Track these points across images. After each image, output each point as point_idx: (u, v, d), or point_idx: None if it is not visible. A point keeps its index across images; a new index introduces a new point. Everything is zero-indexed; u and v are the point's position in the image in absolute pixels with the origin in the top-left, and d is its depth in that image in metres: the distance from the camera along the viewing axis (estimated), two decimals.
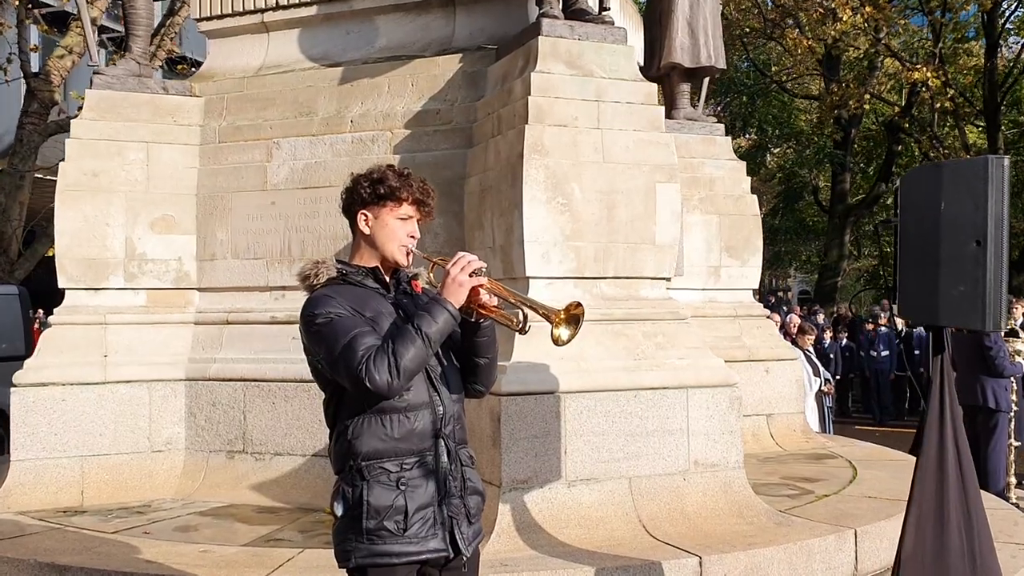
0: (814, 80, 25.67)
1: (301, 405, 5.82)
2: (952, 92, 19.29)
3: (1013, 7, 20.51)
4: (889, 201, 26.43)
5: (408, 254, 2.98)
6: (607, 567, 4.29)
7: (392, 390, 2.69)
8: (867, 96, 20.59)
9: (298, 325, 2.91)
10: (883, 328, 15.71)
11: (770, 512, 5.11)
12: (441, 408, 2.87)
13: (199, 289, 6.39)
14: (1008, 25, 20.65)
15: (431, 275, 3.09)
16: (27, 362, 5.97)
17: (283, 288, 6.21)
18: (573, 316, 2.78)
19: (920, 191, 3.30)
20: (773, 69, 25.48)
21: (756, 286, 7.89)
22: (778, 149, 30.41)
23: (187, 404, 6.09)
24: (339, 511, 2.82)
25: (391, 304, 2.92)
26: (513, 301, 2.87)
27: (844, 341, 16.10)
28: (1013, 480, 7.75)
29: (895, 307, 3.53)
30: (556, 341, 2.78)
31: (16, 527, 5.16)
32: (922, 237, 3.28)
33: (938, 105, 19.93)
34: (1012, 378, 7.68)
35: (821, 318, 17.68)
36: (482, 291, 2.83)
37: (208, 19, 6.85)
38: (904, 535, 3.38)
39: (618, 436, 4.89)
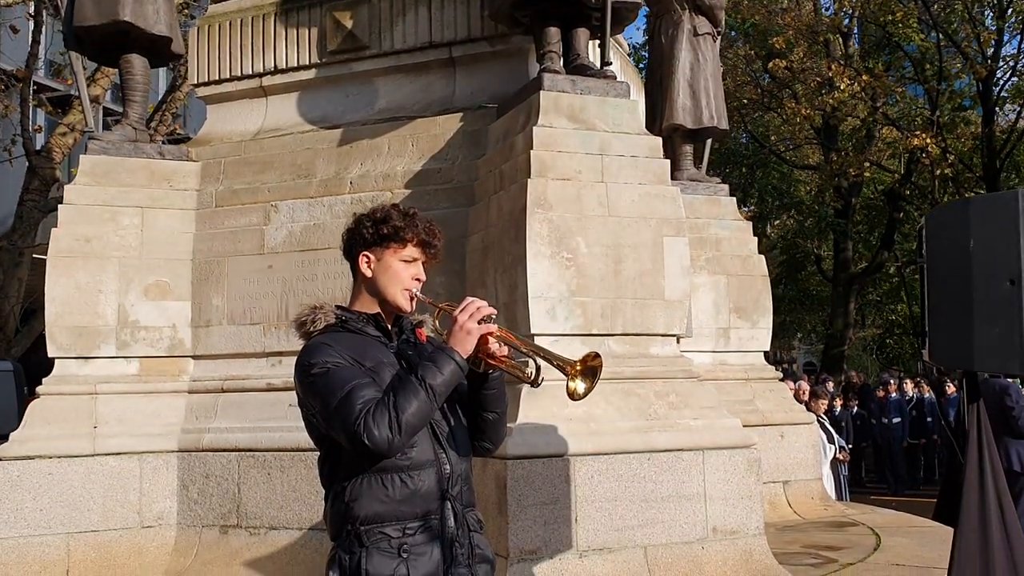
0: (813, 150, 25.81)
1: (298, 476, 5.56)
2: (952, 159, 19.32)
3: (1007, 76, 20.68)
4: (892, 270, 26.37)
5: (412, 299, 2.79)
6: None
7: (392, 448, 2.47)
8: (866, 164, 20.63)
9: (294, 386, 2.71)
10: (893, 395, 15.41)
11: None
12: (448, 467, 2.65)
13: (194, 356, 6.18)
14: (1003, 93, 20.79)
15: (436, 322, 2.90)
16: (13, 434, 5.74)
17: (280, 353, 6.01)
18: (591, 368, 2.57)
19: (947, 230, 3.13)
20: (772, 139, 25.64)
21: (767, 348, 7.68)
22: (778, 220, 30.46)
23: (179, 476, 5.82)
24: None
25: (393, 354, 2.73)
26: (525, 351, 2.67)
27: (855, 409, 15.79)
28: None
29: (924, 353, 3.31)
30: (572, 395, 2.57)
31: None
32: (952, 278, 3.10)
33: (938, 172, 19.95)
34: None
35: (831, 386, 17.37)
36: (491, 340, 2.64)
37: (206, 84, 6.80)
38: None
39: (632, 502, 4.63)
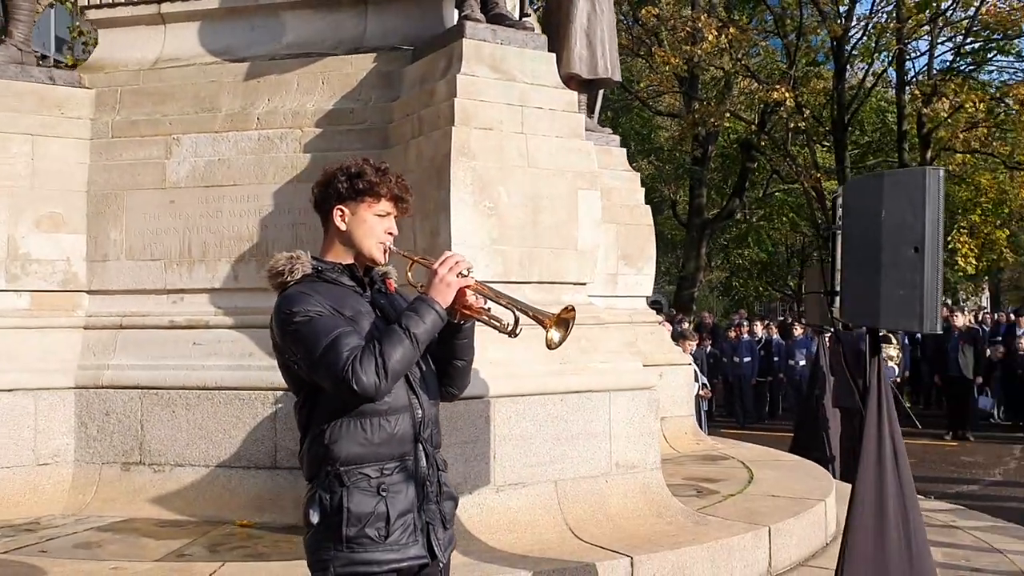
0: (674, 98, 26.62)
1: (204, 414, 5.55)
2: (807, 112, 20.38)
3: (859, 35, 21.88)
4: (738, 216, 27.70)
5: (385, 252, 2.89)
6: (544, 570, 4.29)
7: (379, 392, 2.60)
8: (726, 115, 21.50)
9: (270, 323, 2.78)
10: (745, 336, 16.42)
11: (687, 512, 5.23)
12: (420, 411, 2.80)
13: (89, 292, 6.00)
14: (854, 51, 22.00)
15: (409, 274, 3.01)
16: None
17: (182, 291, 5.93)
18: (563, 320, 2.78)
19: (862, 200, 3.47)
20: (641, 85, 26.24)
21: (650, 293, 8.09)
22: (637, 163, 31.36)
23: (77, 414, 5.69)
24: (314, 519, 2.69)
25: (368, 303, 2.83)
26: (504, 304, 2.83)
27: (708, 348, 16.73)
28: None
29: (834, 311, 3.68)
30: (549, 344, 2.77)
31: None
32: (864, 243, 3.44)
33: (792, 125, 21.02)
34: None
35: (685, 326, 18.30)
36: (468, 292, 2.79)
37: (97, 7, 6.47)
38: (848, 531, 3.53)
39: (545, 440, 4.90)
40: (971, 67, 22.10)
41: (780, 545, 5.11)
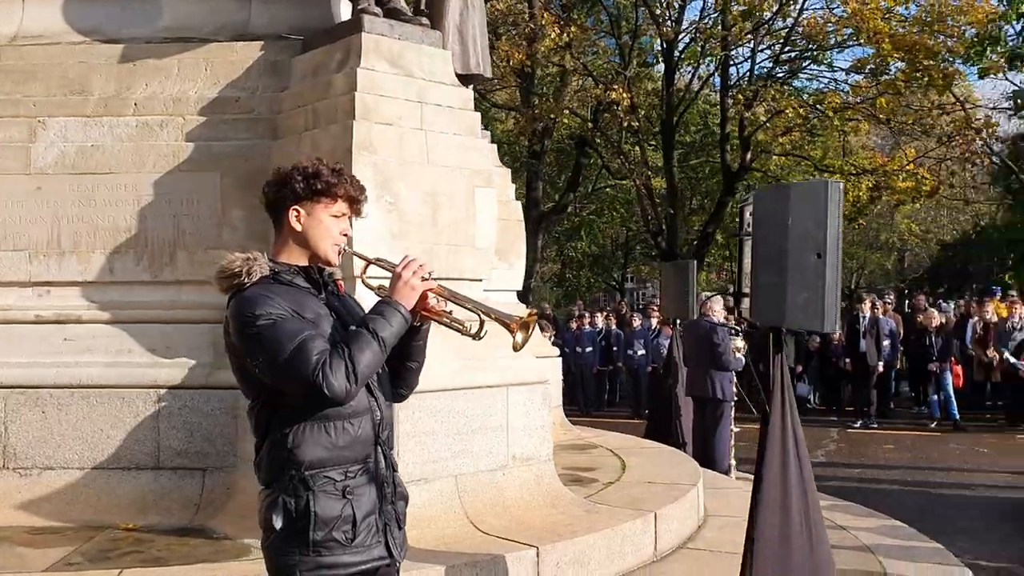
0: (510, 93, 26.99)
1: (79, 414, 5.26)
2: (642, 112, 21.21)
3: (688, 40, 22.94)
4: (570, 209, 28.50)
5: (339, 253, 2.89)
6: (457, 564, 4.36)
7: (349, 396, 2.61)
8: (565, 112, 22.05)
9: (224, 325, 2.74)
10: (587, 327, 16.97)
11: (577, 501, 5.43)
12: (379, 414, 2.83)
13: None
14: (683, 55, 23.05)
15: (363, 276, 3.01)
16: None
17: (49, 284, 5.60)
18: (525, 323, 2.85)
19: (771, 209, 3.73)
20: None
21: (520, 287, 8.26)
22: None
23: None
24: (278, 524, 2.66)
25: (325, 305, 2.82)
26: (470, 308, 2.88)
27: (552, 338, 17.15)
28: (734, 462, 8.78)
29: (743, 311, 3.96)
30: (514, 347, 2.84)
31: None
32: (773, 250, 3.71)
33: (626, 124, 21.80)
34: (734, 371, 8.70)
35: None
36: (431, 295, 2.82)
37: None
38: (756, 516, 3.79)
39: (447, 435, 4.97)
40: (788, 75, 23.61)
41: (664, 529, 5.39)
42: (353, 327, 2.72)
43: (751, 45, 22.60)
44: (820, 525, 3.87)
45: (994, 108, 24.33)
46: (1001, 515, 8.65)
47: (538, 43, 18.89)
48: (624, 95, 19.29)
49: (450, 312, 2.91)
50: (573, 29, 18.47)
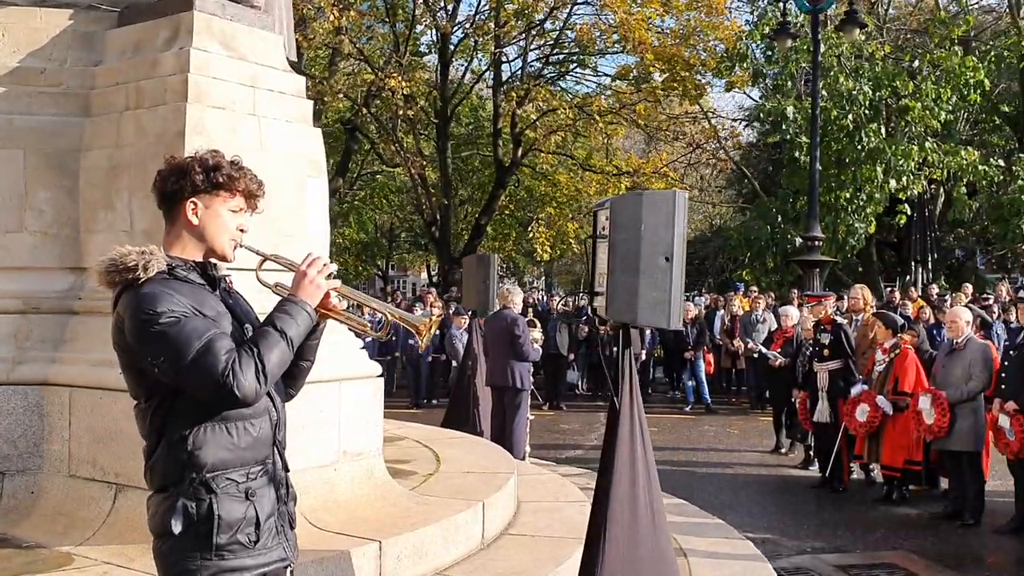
0: None
1: None
2: (422, 103, 21.31)
3: (462, 34, 23.30)
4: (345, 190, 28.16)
5: (235, 249, 2.81)
6: (302, 562, 4.27)
7: (257, 397, 2.57)
8: (339, 96, 21.71)
9: (116, 322, 2.60)
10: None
11: (407, 494, 5.49)
12: (276, 414, 2.80)
13: None
14: (457, 48, 23.40)
15: (257, 272, 2.93)
16: None
17: None
18: (430, 326, 2.90)
19: (626, 213, 3.97)
20: None
21: None
22: None
23: None
24: (177, 528, 2.57)
25: (222, 303, 2.73)
26: (376, 307, 2.89)
27: None
28: (529, 449, 9.13)
29: (597, 308, 4.21)
30: (421, 350, 2.88)
31: None
32: (627, 252, 3.96)
33: (401, 112, 21.82)
34: (531, 362, 9.03)
35: None
36: (332, 294, 2.80)
37: None
38: (608, 498, 4.02)
39: None
40: (556, 75, 24.59)
41: (491, 517, 5.56)
42: (259, 326, 2.67)
43: (523, 44, 23.32)
44: (660, 503, 4.18)
45: (735, 120, 26.63)
46: (758, 490, 9.62)
47: (316, 25, 18.48)
48: (402, 84, 19.31)
49: (347, 310, 2.91)
50: (352, 14, 18.23)
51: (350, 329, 2.94)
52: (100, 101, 5.18)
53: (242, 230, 2.81)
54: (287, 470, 2.86)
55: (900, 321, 9.41)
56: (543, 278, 48.91)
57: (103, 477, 4.64)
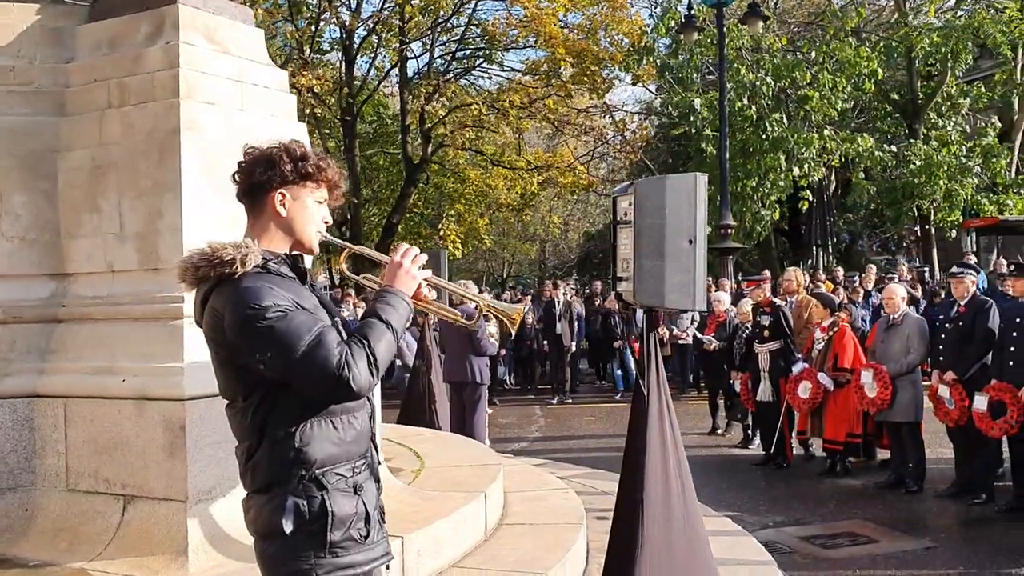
0: None
1: None
2: (330, 101, 20.99)
3: (366, 31, 23.07)
4: None
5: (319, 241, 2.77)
6: None
7: (371, 388, 2.55)
8: None
9: (212, 318, 2.55)
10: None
11: (408, 489, 5.46)
12: (370, 407, 2.76)
13: None
14: (362, 45, 23.14)
15: (343, 265, 2.89)
16: None
17: None
18: (515, 319, 2.90)
19: (651, 198, 4.05)
20: None
21: None
22: None
23: None
24: (288, 528, 2.51)
25: (314, 296, 2.69)
26: (469, 297, 2.88)
27: None
28: (488, 442, 9.15)
29: (620, 294, 4.28)
30: (514, 337, 2.90)
31: None
32: (653, 236, 4.03)
33: (308, 110, 21.47)
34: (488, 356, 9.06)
35: None
36: (423, 284, 2.79)
37: None
38: (643, 480, 4.08)
39: None
40: (462, 71, 24.58)
41: (490, 507, 5.58)
42: (363, 317, 2.64)
43: (429, 39, 23.24)
44: (690, 485, 4.28)
45: (638, 113, 27.15)
46: (704, 471, 9.85)
47: None
48: (316, 82, 19.02)
49: (439, 302, 2.90)
50: (259, 11, 17.83)
51: (440, 319, 2.90)
52: (77, 99, 4.95)
53: (325, 222, 2.76)
54: (380, 463, 2.83)
55: (837, 300, 9.82)
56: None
57: (108, 489, 4.46)
